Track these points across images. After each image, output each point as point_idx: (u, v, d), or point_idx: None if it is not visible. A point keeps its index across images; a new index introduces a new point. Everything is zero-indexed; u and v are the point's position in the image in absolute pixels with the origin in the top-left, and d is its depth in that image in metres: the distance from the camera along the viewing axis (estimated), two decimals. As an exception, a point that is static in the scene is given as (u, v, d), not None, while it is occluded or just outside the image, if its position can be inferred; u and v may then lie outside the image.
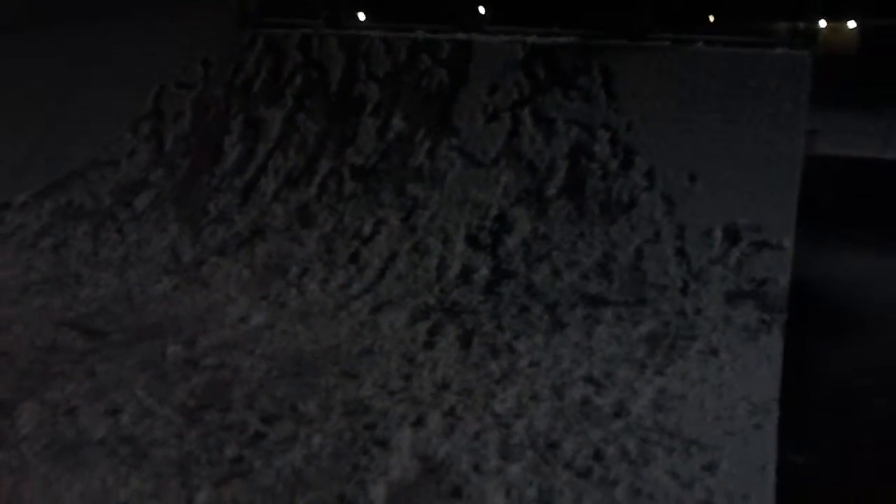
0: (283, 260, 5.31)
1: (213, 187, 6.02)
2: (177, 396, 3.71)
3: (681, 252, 5.03)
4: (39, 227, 5.86)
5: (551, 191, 5.54)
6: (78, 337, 4.36)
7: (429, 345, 4.34)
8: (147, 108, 6.66)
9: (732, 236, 5.07)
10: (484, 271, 5.11)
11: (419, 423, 3.53)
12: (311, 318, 4.65)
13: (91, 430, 3.39)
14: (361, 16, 8.00)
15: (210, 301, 4.87)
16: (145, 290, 5.03)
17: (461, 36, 6.40)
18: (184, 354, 4.15)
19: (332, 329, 4.51)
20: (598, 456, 3.29)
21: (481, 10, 7.12)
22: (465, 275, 5.10)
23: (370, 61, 6.42)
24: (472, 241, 5.34)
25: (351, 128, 6.14)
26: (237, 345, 4.31)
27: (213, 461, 3.21)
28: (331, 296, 4.94)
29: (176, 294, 4.96)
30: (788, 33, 7.40)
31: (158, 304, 4.83)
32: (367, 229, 5.50)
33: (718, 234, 5.09)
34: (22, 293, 4.96)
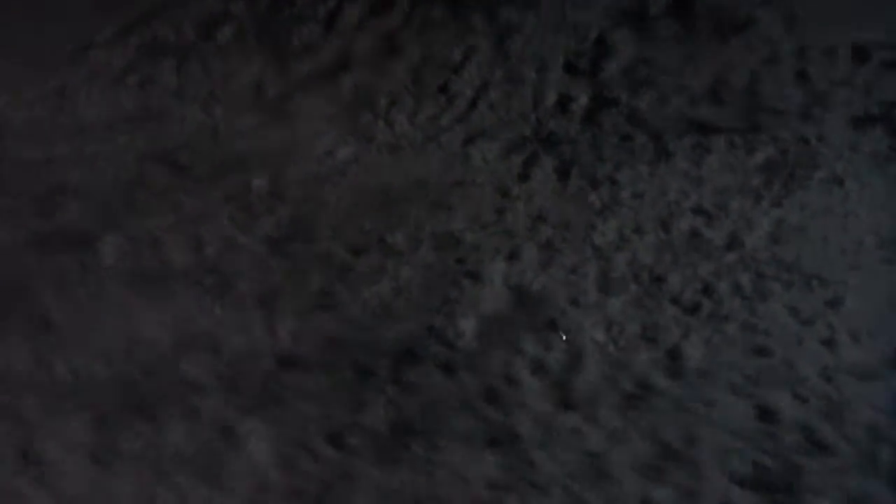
0: (370, 92, 5.05)
1: (295, 17, 5.73)
2: (261, 228, 3.59)
3: (802, 74, 4.55)
4: (125, 64, 5.71)
5: (656, 9, 5.06)
6: (163, 171, 4.26)
7: (524, 177, 4.07)
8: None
9: (860, 55, 4.55)
10: (583, 99, 4.74)
11: (513, 256, 3.32)
12: (399, 151, 4.43)
13: (175, 262, 3.31)
14: None
15: (296, 135, 4.69)
16: (230, 125, 4.87)
17: None
18: (269, 187, 4.01)
19: (421, 161, 4.29)
20: (707, 291, 3.03)
21: None
22: (563, 103, 4.74)
23: None
24: (570, 67, 4.95)
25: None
26: (323, 178, 4.14)
27: (298, 292, 3.09)
28: (419, 128, 4.68)
29: (261, 128, 4.79)
30: None
31: (243, 139, 4.68)
32: (456, 57, 5.15)
33: (844, 52, 4.57)
34: (107, 130, 4.88)
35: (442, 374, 2.59)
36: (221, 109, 5.05)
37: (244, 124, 4.84)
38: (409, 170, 4.21)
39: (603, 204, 3.77)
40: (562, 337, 2.72)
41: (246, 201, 3.86)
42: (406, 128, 4.70)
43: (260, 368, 2.63)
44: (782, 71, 4.59)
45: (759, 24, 4.81)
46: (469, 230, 3.56)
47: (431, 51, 5.26)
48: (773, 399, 2.45)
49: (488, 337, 2.78)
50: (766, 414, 2.40)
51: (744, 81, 4.61)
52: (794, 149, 4.12)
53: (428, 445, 2.29)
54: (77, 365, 2.65)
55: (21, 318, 2.94)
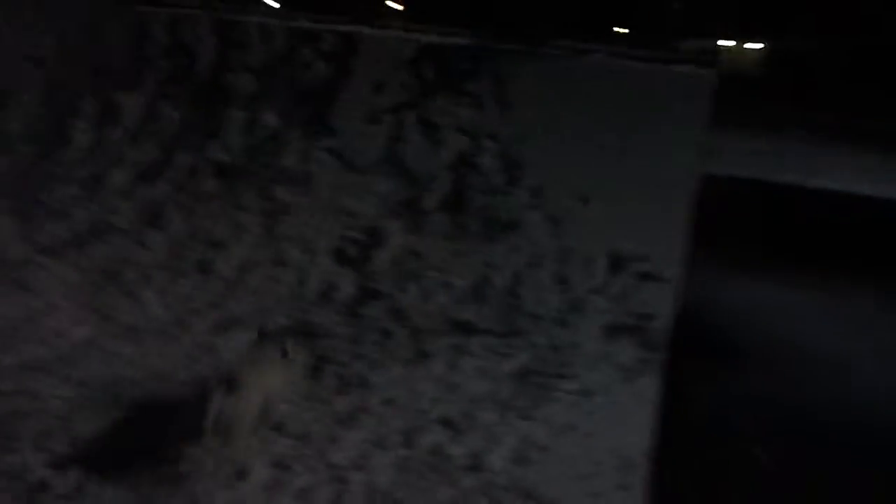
0: (122, 264, 4.70)
1: (54, 176, 5.36)
2: (-46, 432, 3.13)
3: (561, 279, 4.65)
4: None
5: (430, 204, 5.08)
6: None
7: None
8: (-10, 83, 5.94)
9: (616, 264, 4.71)
10: (347, 289, 4.62)
11: (241, 475, 3.03)
12: (141, 336, 4.09)
13: None
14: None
15: (29, 309, 4.24)
16: (-44, 294, 4.37)
17: (346, 28, 5.88)
18: (-23, 377, 3.56)
19: (163, 351, 3.96)
20: (440, 524, 2.86)
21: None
22: (327, 292, 4.60)
23: (244, 49, 5.83)
24: (339, 254, 4.84)
25: (217, 121, 5.56)
26: (46, 365, 3.72)
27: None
28: (170, 309, 4.37)
29: (-11, 301, 4.33)
30: (691, 50, 7.15)
31: (-34, 312, 4.20)
32: (222, 234, 4.93)
33: (602, 261, 4.72)
34: None
35: None
36: (-51, 275, 4.55)
37: (-30, 295, 4.37)
38: (148, 361, 3.87)
39: (350, 411, 3.58)
40: None
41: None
42: (154, 308, 4.37)
43: None
44: (543, 275, 4.67)
45: (525, 227, 4.90)
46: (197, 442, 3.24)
47: (196, 225, 5.01)
48: None
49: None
50: None
51: (506, 282, 4.64)
52: (548, 356, 4.13)
53: None
54: None
55: None
